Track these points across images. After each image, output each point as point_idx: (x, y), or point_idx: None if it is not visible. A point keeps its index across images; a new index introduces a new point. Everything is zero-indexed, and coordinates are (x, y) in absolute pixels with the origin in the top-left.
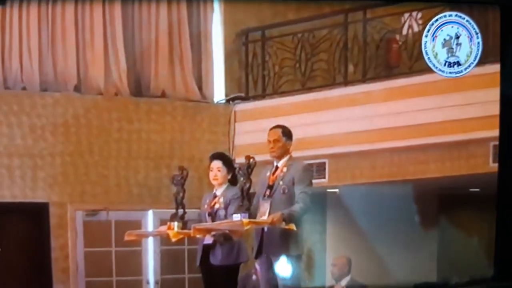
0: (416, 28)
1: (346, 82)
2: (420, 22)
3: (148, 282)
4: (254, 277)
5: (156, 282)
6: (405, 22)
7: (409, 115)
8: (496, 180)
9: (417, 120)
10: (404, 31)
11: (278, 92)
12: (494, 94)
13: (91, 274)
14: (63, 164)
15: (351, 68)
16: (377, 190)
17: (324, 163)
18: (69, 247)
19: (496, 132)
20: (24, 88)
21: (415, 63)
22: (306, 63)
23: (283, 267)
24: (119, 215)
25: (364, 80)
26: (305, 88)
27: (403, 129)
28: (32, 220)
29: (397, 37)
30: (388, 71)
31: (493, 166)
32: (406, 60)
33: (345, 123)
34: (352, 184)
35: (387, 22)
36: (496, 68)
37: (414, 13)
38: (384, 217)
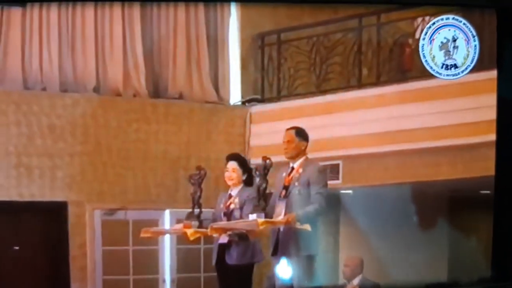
0: None
1: (360, 85)
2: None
3: (164, 281)
4: None
5: (172, 281)
6: (418, 26)
7: (422, 117)
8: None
9: (429, 123)
10: (417, 35)
11: (293, 95)
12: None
13: (109, 273)
14: (82, 164)
15: (365, 71)
16: (389, 191)
17: (338, 164)
18: (87, 245)
19: None
20: (43, 89)
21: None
22: (320, 66)
23: (298, 267)
24: (137, 214)
25: (377, 83)
26: (320, 91)
27: (415, 132)
28: (50, 219)
29: (410, 41)
30: (401, 74)
31: None
32: (419, 64)
33: (358, 125)
34: (365, 185)
35: (400, 26)
36: None
37: (427, 18)
38: (396, 218)
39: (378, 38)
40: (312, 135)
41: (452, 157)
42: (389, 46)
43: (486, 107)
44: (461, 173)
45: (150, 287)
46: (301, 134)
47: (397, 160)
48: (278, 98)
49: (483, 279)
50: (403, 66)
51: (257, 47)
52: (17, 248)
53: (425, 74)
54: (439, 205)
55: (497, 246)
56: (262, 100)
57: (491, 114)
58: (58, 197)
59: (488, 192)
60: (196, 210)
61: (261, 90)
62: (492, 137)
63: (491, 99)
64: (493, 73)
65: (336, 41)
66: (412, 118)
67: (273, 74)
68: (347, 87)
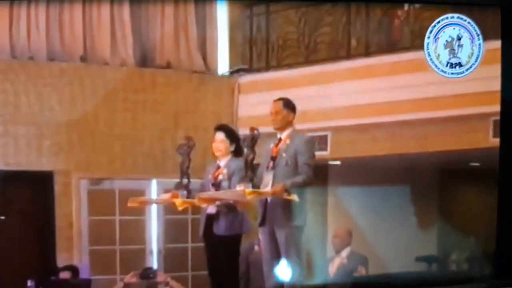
0: (417, 4)
1: (349, 56)
2: None
3: (151, 251)
4: (256, 248)
5: (159, 251)
6: None
7: (411, 89)
8: (497, 154)
9: (418, 94)
10: (406, 6)
11: (281, 65)
12: (494, 70)
13: (95, 243)
14: (69, 133)
15: (353, 42)
16: (378, 163)
17: (326, 135)
18: (73, 215)
19: (496, 108)
20: (31, 58)
21: (416, 38)
22: (309, 36)
23: (286, 237)
24: (124, 184)
25: (366, 54)
26: (308, 61)
27: (404, 103)
28: (37, 188)
29: (399, 12)
30: (390, 45)
31: (494, 141)
32: (408, 35)
33: (347, 97)
34: (353, 157)
35: None
36: (496, 44)
37: None
38: (385, 190)
39: (367, 8)
40: (300, 106)
41: (441, 129)
42: (377, 17)
43: (475, 80)
44: (450, 145)
45: (137, 257)
46: (288, 105)
47: (386, 132)
48: (266, 68)
49: (486, 276)
50: (392, 37)
51: (246, 17)
52: (3, 217)
53: (414, 45)
54: (428, 177)
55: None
56: (250, 70)
57: (480, 86)
58: (44, 166)
59: (477, 164)
60: (185, 180)
61: (250, 60)
62: (482, 109)
63: (480, 72)
64: (485, 45)
65: (324, 12)
66: (401, 89)
67: (261, 44)
68: (336, 58)
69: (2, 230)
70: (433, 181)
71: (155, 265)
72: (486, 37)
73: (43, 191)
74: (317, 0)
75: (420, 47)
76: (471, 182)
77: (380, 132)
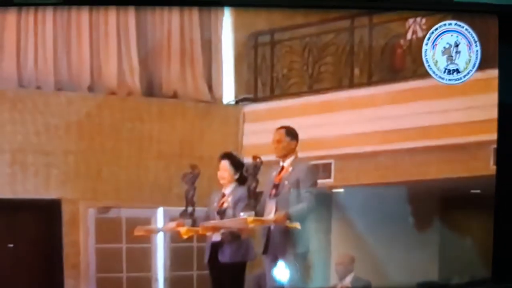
0: (420, 34)
1: (352, 85)
2: (424, 27)
3: (157, 279)
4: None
5: (165, 279)
6: (409, 27)
7: (412, 117)
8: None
9: (420, 122)
10: (409, 36)
11: (286, 94)
12: (493, 98)
13: (102, 270)
14: (76, 162)
15: (356, 71)
16: (380, 191)
17: (330, 163)
18: (81, 243)
19: (496, 136)
20: (38, 87)
21: (418, 67)
22: (313, 66)
23: (289, 265)
24: (130, 212)
25: (369, 83)
26: (312, 90)
27: (406, 132)
28: (44, 216)
29: (402, 41)
30: (393, 74)
31: (494, 169)
32: (410, 65)
33: (350, 125)
34: (357, 184)
35: (392, 27)
36: (496, 73)
37: (418, 19)
38: (387, 217)
39: (370, 38)
40: (304, 134)
41: (442, 157)
42: (380, 47)
43: (475, 108)
44: (450, 172)
45: (143, 285)
46: (291, 133)
47: (388, 160)
48: (271, 97)
49: (482, 280)
50: (395, 66)
51: (251, 46)
52: (11, 245)
53: (416, 75)
54: (430, 204)
55: (497, 247)
56: (255, 100)
57: (481, 115)
58: (52, 194)
59: (478, 191)
60: (190, 209)
61: (255, 90)
62: (482, 137)
63: (480, 100)
64: (484, 74)
65: (328, 42)
66: (403, 117)
67: (266, 73)
68: (339, 87)
69: (10, 258)
70: (434, 208)
71: None
72: (485, 66)
73: (50, 219)
74: (321, 7)
75: (422, 76)
76: (472, 209)
77: (383, 160)
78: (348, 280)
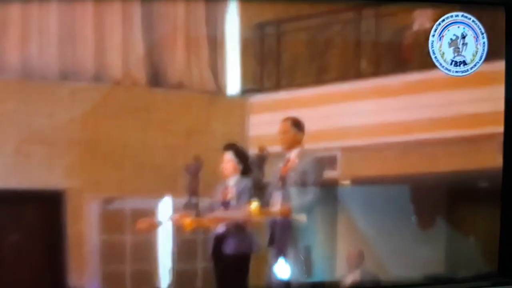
0: (427, 25)
1: (359, 76)
2: (431, 19)
3: (161, 270)
4: None
5: (169, 270)
6: (416, 19)
7: (420, 109)
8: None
9: (427, 114)
10: (415, 28)
11: (292, 85)
12: (501, 91)
13: (106, 262)
14: (80, 152)
15: (363, 62)
16: (387, 182)
17: (336, 155)
18: (85, 234)
19: None
20: (43, 77)
21: (426, 58)
22: (319, 57)
23: (294, 258)
24: (135, 203)
25: (376, 74)
26: (319, 81)
27: (414, 123)
28: (48, 207)
29: (408, 33)
30: (400, 66)
31: (501, 161)
32: (417, 56)
33: (357, 117)
34: (363, 176)
35: (399, 18)
36: (503, 65)
37: (425, 10)
38: (394, 210)
39: (377, 30)
40: (310, 126)
41: (450, 149)
42: (387, 38)
43: (484, 100)
44: (459, 165)
45: (148, 276)
46: (297, 124)
47: (395, 152)
48: (277, 88)
49: (488, 274)
50: (402, 57)
51: (257, 37)
52: (15, 236)
53: (423, 66)
54: (437, 197)
55: (503, 241)
56: (261, 90)
57: (489, 106)
58: (56, 185)
59: (486, 184)
60: (193, 200)
61: (260, 80)
62: (491, 129)
63: (489, 92)
64: (492, 65)
65: (335, 33)
66: (410, 109)
67: (272, 64)
68: (346, 78)
69: (14, 249)
70: (442, 200)
71: (165, 285)
72: (494, 58)
73: (55, 209)
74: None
75: (430, 66)
76: (479, 202)
77: (390, 152)
78: (357, 273)
